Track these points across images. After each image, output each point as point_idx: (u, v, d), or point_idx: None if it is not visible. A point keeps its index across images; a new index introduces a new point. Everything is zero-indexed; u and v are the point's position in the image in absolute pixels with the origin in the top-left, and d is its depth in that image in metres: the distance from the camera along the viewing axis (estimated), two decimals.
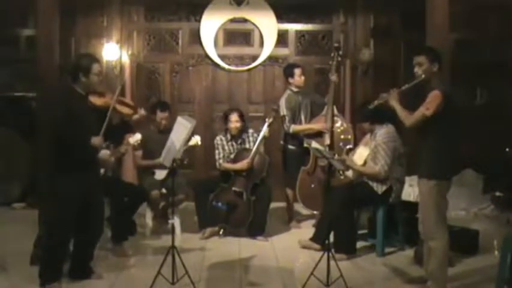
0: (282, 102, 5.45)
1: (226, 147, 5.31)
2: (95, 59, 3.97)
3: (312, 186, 5.39)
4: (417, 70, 3.71)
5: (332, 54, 5.53)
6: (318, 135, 5.38)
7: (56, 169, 3.82)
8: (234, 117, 5.28)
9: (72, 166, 3.75)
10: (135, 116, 4.21)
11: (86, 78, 3.81)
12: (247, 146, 5.32)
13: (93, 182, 3.90)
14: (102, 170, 4.54)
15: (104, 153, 4.04)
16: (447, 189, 3.74)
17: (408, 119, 3.68)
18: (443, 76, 3.94)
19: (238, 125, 5.27)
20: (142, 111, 4.28)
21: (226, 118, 5.34)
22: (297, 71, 5.51)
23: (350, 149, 5.33)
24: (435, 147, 3.67)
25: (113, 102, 3.90)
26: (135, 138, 4.64)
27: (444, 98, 3.58)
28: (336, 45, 5.66)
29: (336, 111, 5.48)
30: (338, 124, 5.48)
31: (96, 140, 3.75)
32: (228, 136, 5.33)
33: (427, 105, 3.59)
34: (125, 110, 4.07)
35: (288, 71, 5.59)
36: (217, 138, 5.35)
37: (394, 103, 3.75)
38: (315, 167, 5.40)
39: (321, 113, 5.50)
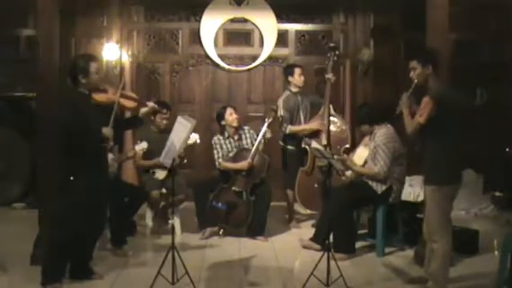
0: (280, 103, 5.46)
1: (224, 146, 5.31)
2: (91, 57, 3.97)
3: (314, 186, 5.39)
4: (412, 74, 3.73)
5: (328, 55, 5.53)
6: (315, 135, 5.38)
7: (64, 169, 3.82)
8: (229, 110, 5.33)
9: (80, 166, 3.75)
10: (144, 109, 4.19)
11: (86, 78, 3.83)
12: (244, 142, 5.34)
13: (100, 181, 3.91)
14: None
15: (109, 157, 4.03)
16: (453, 193, 3.71)
17: (409, 126, 3.69)
18: (442, 76, 3.93)
19: (235, 116, 5.31)
20: (151, 104, 4.25)
21: (221, 116, 5.35)
22: (297, 70, 5.52)
23: (347, 149, 5.34)
24: (434, 152, 3.66)
25: (117, 97, 3.91)
26: (141, 146, 4.65)
27: (436, 103, 3.55)
28: (331, 45, 5.68)
29: (332, 111, 5.48)
30: (336, 124, 5.48)
31: (107, 131, 3.78)
32: (226, 134, 5.34)
33: (420, 112, 3.60)
34: (129, 104, 4.07)
35: (288, 70, 5.61)
36: (215, 138, 5.37)
37: (404, 108, 3.75)
38: (313, 168, 5.40)
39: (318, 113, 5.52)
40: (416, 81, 3.69)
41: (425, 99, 3.59)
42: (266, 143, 5.24)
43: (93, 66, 3.84)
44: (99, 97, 3.90)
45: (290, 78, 5.54)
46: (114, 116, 3.84)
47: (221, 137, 5.35)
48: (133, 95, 4.25)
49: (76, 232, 3.83)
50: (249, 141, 5.34)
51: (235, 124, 5.31)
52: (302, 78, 5.54)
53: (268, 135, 5.19)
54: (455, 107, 3.67)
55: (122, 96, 4.00)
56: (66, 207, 3.80)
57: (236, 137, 5.35)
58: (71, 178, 3.77)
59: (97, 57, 4.20)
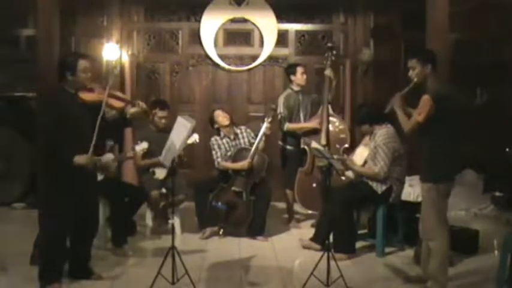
0: (281, 100, 5.47)
1: (222, 146, 5.32)
2: (80, 56, 3.89)
3: (313, 186, 5.39)
4: (411, 73, 3.74)
5: (326, 54, 5.54)
6: (314, 134, 5.38)
7: (51, 171, 3.77)
8: (217, 112, 5.37)
9: (67, 167, 3.69)
10: (133, 109, 4.13)
11: (73, 76, 3.74)
12: (241, 141, 5.35)
13: (89, 180, 3.89)
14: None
15: (108, 157, 4.00)
16: (448, 191, 3.73)
17: (406, 125, 3.70)
18: (441, 76, 3.94)
19: (224, 115, 5.34)
20: (141, 103, 4.18)
21: (212, 120, 5.40)
22: (299, 69, 5.53)
23: (346, 149, 5.35)
24: (431, 150, 3.68)
25: (105, 97, 3.81)
26: (142, 146, 4.63)
27: (435, 101, 3.56)
28: (329, 45, 5.68)
29: (331, 111, 5.48)
30: (335, 124, 5.49)
31: (80, 159, 3.64)
32: (221, 134, 5.35)
33: (418, 111, 3.61)
34: (116, 104, 3.99)
35: (291, 69, 5.62)
36: (212, 139, 5.37)
37: (397, 108, 3.77)
38: (312, 168, 5.40)
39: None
40: (416, 80, 3.70)
41: (425, 98, 3.59)
42: (266, 139, 5.23)
43: (81, 65, 3.74)
44: (86, 96, 3.81)
45: (292, 77, 5.55)
46: (100, 119, 3.72)
47: (218, 138, 5.37)
48: (122, 95, 4.19)
49: (69, 231, 3.83)
50: (246, 140, 5.36)
51: (226, 123, 5.33)
52: (304, 76, 5.54)
53: (268, 131, 5.19)
54: (453, 107, 3.67)
55: (110, 95, 3.91)
56: (56, 206, 3.77)
57: (232, 136, 5.36)
58: (60, 177, 3.72)
59: (88, 56, 4.07)
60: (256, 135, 5.22)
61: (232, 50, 6.87)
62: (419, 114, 3.60)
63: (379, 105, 4.18)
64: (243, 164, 5.14)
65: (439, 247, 3.68)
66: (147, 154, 5.02)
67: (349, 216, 4.66)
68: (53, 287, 3.77)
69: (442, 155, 3.65)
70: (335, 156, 4.43)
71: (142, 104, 4.21)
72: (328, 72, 5.43)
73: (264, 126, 5.17)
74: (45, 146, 3.75)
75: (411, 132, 3.69)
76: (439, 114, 3.57)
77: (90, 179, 3.96)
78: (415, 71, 3.71)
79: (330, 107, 5.48)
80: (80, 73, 3.75)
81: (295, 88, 5.54)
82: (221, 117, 5.34)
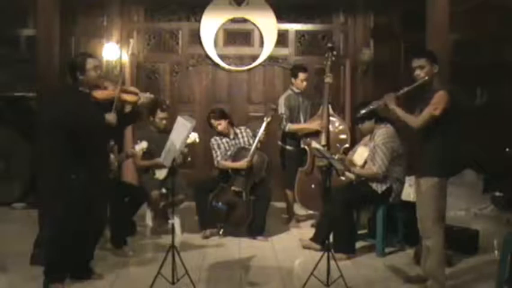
0: (281, 101, 5.47)
1: (222, 146, 5.32)
2: (89, 55, 3.94)
3: (312, 186, 5.40)
4: (419, 73, 3.73)
5: (326, 55, 5.54)
6: (314, 135, 5.39)
7: (63, 169, 3.80)
8: (213, 121, 5.34)
9: (81, 165, 3.74)
10: (141, 101, 4.14)
11: (84, 75, 3.79)
12: (240, 140, 5.36)
13: (98, 182, 3.90)
14: None
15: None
16: (446, 187, 3.76)
17: (415, 121, 3.70)
18: (442, 76, 3.95)
19: (221, 123, 5.30)
20: (147, 94, 4.19)
21: (209, 123, 5.38)
22: (301, 75, 5.49)
23: (346, 149, 5.35)
24: (438, 146, 3.69)
25: (117, 92, 3.89)
26: (141, 146, 4.64)
27: (450, 97, 3.62)
28: (329, 45, 5.69)
29: (331, 111, 5.49)
30: (335, 124, 5.49)
31: (109, 116, 3.78)
32: (221, 135, 5.36)
33: (434, 106, 3.63)
34: (130, 98, 4.04)
35: (293, 72, 5.61)
36: (212, 139, 5.37)
37: (394, 107, 3.77)
38: (312, 168, 5.41)
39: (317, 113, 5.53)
40: (427, 78, 3.71)
41: (441, 93, 3.63)
42: (262, 141, 5.23)
43: (90, 63, 3.80)
44: (99, 94, 3.87)
45: (293, 80, 5.56)
46: (115, 111, 3.83)
47: (218, 138, 5.37)
48: (134, 89, 4.21)
49: (76, 231, 3.83)
50: (245, 139, 5.36)
51: (224, 132, 5.32)
52: (304, 84, 5.50)
53: (263, 138, 5.18)
54: (459, 104, 3.73)
55: (122, 91, 3.98)
56: (66, 206, 3.79)
57: (232, 136, 5.36)
58: (72, 177, 3.75)
59: (96, 55, 4.14)
60: (255, 136, 5.23)
61: (232, 50, 6.86)
62: (435, 109, 3.61)
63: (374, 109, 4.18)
64: (242, 164, 5.14)
65: (437, 244, 3.70)
66: (147, 154, 5.03)
67: (349, 216, 4.65)
68: (55, 287, 3.77)
69: (449, 151, 3.69)
70: (335, 156, 4.42)
71: (149, 95, 4.20)
72: (328, 79, 5.44)
73: (260, 133, 5.16)
74: (53, 146, 3.77)
75: (423, 127, 3.68)
76: (451, 111, 3.62)
77: (102, 180, 3.97)
78: (423, 69, 3.72)
79: (330, 107, 5.48)
80: (89, 72, 3.81)
81: (296, 90, 5.54)
82: (216, 124, 5.31)
